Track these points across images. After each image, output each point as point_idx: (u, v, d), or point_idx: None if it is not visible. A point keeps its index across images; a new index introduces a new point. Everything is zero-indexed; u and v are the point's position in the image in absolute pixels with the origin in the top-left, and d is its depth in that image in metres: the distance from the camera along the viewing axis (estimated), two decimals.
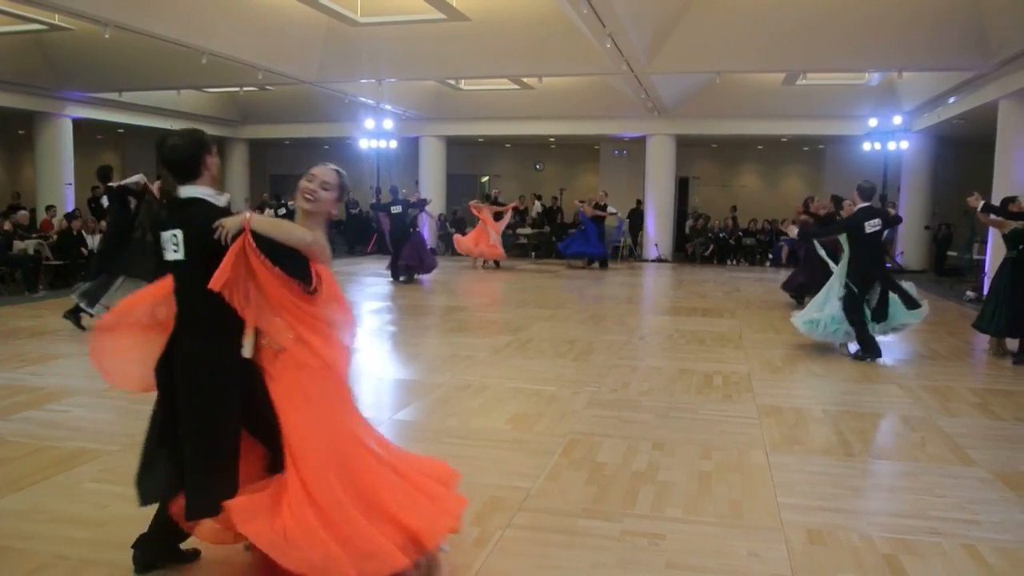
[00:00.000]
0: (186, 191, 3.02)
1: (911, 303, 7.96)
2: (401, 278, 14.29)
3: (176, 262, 3.00)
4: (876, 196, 8.62)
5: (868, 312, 7.81)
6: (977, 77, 13.21)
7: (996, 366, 7.79)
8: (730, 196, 22.95)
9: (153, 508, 3.12)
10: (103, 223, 9.94)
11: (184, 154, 3.02)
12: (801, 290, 11.32)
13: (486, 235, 17.43)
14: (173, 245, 2.97)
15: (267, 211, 14.44)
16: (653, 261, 19.92)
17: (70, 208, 16.24)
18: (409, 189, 22.25)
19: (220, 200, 3.06)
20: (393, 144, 20.49)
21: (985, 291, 12.69)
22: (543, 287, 14.23)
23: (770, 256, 20.85)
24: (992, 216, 8.35)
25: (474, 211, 17.86)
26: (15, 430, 5.00)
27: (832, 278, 8.20)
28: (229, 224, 2.89)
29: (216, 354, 2.98)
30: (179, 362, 2.98)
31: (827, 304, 8.08)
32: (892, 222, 9.13)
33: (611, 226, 19.79)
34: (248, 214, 2.97)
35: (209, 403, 2.93)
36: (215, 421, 2.94)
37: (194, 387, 2.94)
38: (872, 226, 7.67)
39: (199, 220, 2.94)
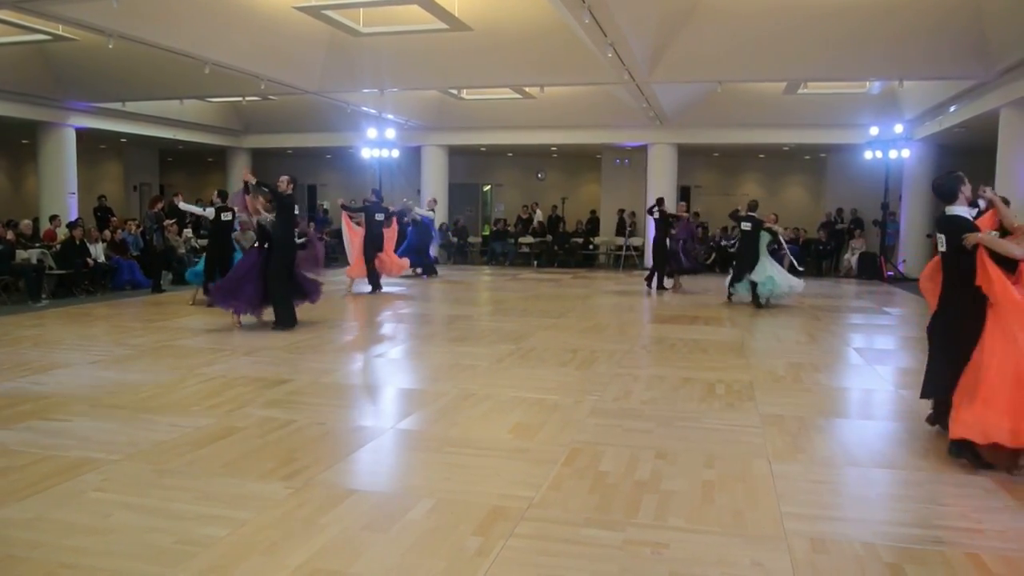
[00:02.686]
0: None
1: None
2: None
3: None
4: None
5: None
6: (978, 86, 13.25)
7: None
8: (731, 205, 22.96)
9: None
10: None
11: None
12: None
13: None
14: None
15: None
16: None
17: (73, 217, 16.28)
18: (413, 200, 22.33)
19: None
20: (395, 153, 20.56)
21: None
22: (545, 296, 14.23)
23: None
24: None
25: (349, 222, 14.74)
26: (18, 439, 5.00)
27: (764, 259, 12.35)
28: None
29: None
30: None
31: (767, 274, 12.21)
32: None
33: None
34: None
35: None
36: None
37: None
38: None
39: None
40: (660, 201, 15.26)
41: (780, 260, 13.14)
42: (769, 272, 12.33)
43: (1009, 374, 4.43)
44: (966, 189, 4.91)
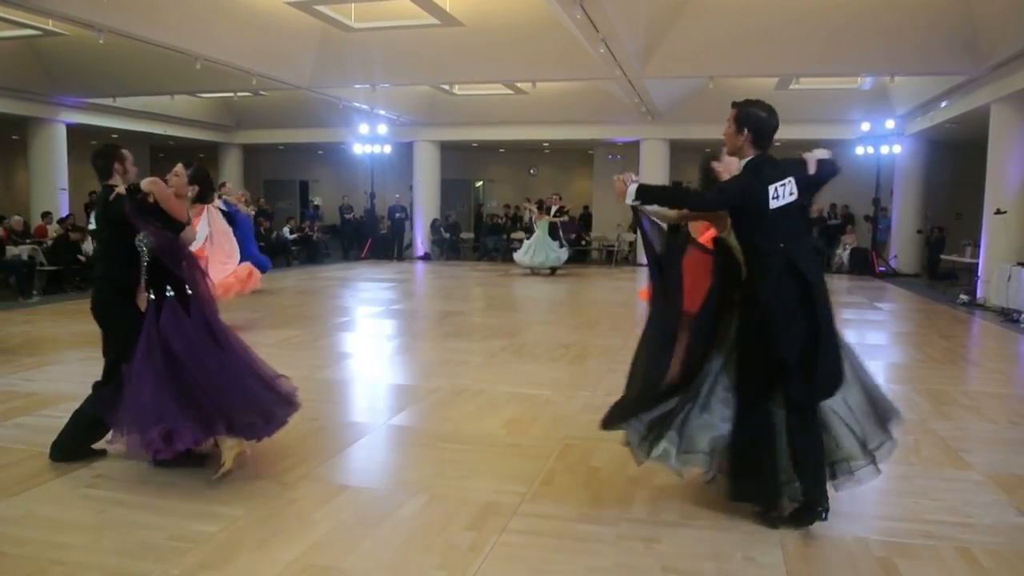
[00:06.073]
0: None
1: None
2: None
3: None
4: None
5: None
6: (969, 81, 13.28)
7: (989, 369, 7.82)
8: None
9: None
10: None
11: None
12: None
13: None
14: None
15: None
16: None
17: (64, 213, 16.20)
18: (403, 195, 22.27)
19: None
20: (387, 149, 20.55)
21: (978, 294, 12.79)
22: (537, 292, 14.23)
23: None
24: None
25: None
26: (8, 436, 4.99)
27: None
28: None
29: None
30: None
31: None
32: None
33: None
34: None
35: None
36: None
37: None
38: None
39: None
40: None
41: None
42: (545, 249, 16.72)
43: None
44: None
